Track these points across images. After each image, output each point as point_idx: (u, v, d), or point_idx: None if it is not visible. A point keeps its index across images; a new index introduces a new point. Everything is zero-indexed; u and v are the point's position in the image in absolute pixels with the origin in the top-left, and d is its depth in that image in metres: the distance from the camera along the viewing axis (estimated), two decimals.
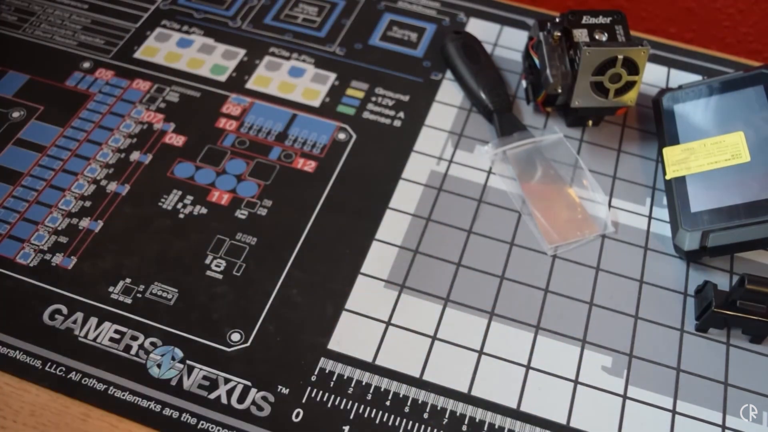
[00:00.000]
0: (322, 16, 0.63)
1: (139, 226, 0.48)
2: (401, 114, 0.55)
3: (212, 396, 0.41)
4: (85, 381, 0.41)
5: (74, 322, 0.43)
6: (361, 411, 0.40)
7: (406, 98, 0.56)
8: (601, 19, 0.52)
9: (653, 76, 0.60)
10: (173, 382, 0.41)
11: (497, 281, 0.46)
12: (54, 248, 0.46)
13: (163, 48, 0.59)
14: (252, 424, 0.40)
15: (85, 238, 0.47)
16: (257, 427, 0.40)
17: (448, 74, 0.58)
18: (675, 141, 0.51)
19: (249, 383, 0.41)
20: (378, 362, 0.42)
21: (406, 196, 0.50)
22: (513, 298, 0.46)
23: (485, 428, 0.40)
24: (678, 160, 0.50)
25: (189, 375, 0.41)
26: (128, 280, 0.45)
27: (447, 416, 0.41)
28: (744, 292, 0.42)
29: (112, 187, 0.50)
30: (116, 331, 0.43)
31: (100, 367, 0.41)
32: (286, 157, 0.52)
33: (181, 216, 0.48)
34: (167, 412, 0.40)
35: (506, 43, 0.61)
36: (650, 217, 0.51)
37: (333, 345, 0.43)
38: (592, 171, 0.53)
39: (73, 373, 0.41)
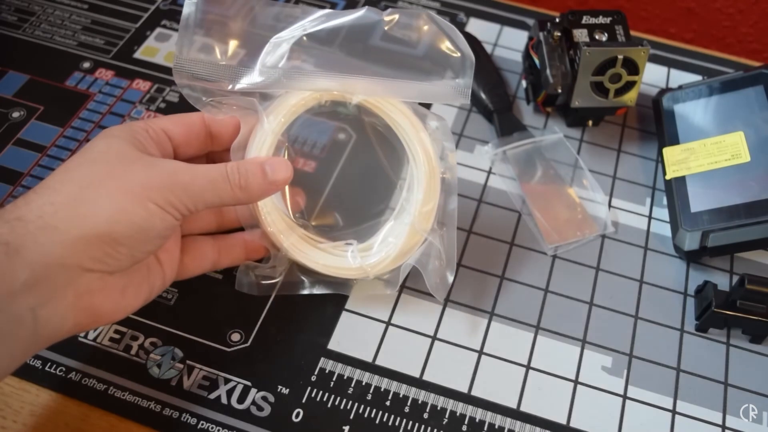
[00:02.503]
0: None
1: None
2: None
3: (212, 396, 0.41)
4: (85, 381, 0.41)
5: None
6: (361, 411, 0.40)
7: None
8: (601, 19, 0.52)
9: (653, 76, 0.60)
10: (173, 382, 0.41)
11: (497, 281, 0.46)
12: None
13: (163, 48, 0.59)
14: (252, 424, 0.40)
15: None
16: (257, 427, 0.40)
17: None
18: (675, 141, 0.51)
19: (249, 383, 0.41)
20: (378, 362, 0.42)
21: None
22: (513, 298, 0.46)
23: (485, 428, 0.40)
24: (678, 160, 0.50)
25: (189, 375, 0.41)
26: None
27: (447, 416, 0.41)
28: (744, 292, 0.42)
29: None
30: (116, 331, 0.43)
31: (100, 367, 0.41)
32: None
33: None
34: (167, 412, 0.40)
35: (506, 43, 0.61)
36: (650, 217, 0.51)
37: (333, 345, 0.43)
38: (592, 171, 0.53)
39: (73, 373, 0.41)
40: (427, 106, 0.50)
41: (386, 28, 0.41)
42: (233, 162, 0.38)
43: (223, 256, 0.42)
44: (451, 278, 0.42)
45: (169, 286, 0.40)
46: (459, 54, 0.40)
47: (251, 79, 0.40)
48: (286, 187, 0.44)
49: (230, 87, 0.40)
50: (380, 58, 0.42)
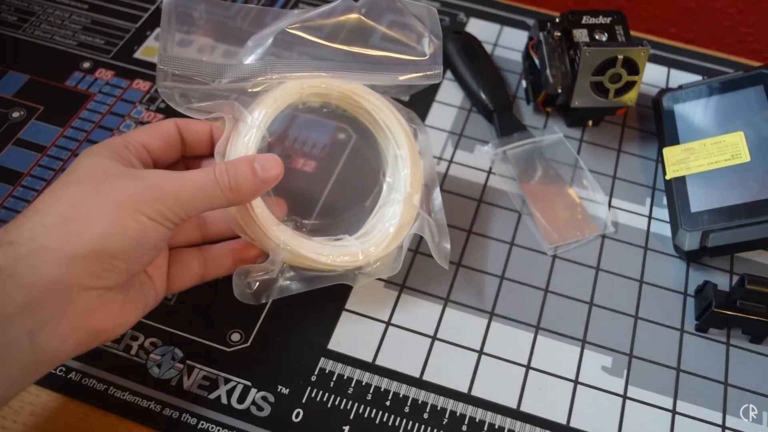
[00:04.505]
0: None
1: None
2: None
3: (212, 396, 0.41)
4: (85, 381, 0.41)
5: None
6: (361, 411, 0.40)
7: (405, 98, 0.56)
8: (601, 19, 0.52)
9: (653, 76, 0.60)
10: (173, 382, 0.41)
11: (497, 281, 0.46)
12: None
13: None
14: (252, 424, 0.40)
15: None
16: (257, 427, 0.40)
17: (448, 74, 0.58)
18: (675, 141, 0.51)
19: (249, 383, 0.41)
20: (378, 362, 0.42)
21: None
22: (513, 298, 0.46)
23: (485, 428, 0.40)
24: (678, 160, 0.50)
25: (189, 375, 0.41)
26: None
27: (447, 416, 0.41)
28: (744, 292, 0.42)
29: None
30: None
31: (100, 367, 0.41)
32: (286, 157, 0.52)
33: None
34: (167, 412, 0.40)
35: (506, 43, 0.61)
36: (650, 217, 0.51)
37: (333, 345, 0.43)
38: (592, 171, 0.53)
39: (73, 373, 0.41)
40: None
41: (362, 14, 0.44)
42: (222, 163, 0.37)
43: (209, 268, 0.41)
44: (448, 245, 0.43)
45: (161, 299, 0.40)
46: (426, 29, 0.44)
47: (235, 73, 0.41)
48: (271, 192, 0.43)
49: (214, 83, 0.40)
50: (357, 45, 0.44)
